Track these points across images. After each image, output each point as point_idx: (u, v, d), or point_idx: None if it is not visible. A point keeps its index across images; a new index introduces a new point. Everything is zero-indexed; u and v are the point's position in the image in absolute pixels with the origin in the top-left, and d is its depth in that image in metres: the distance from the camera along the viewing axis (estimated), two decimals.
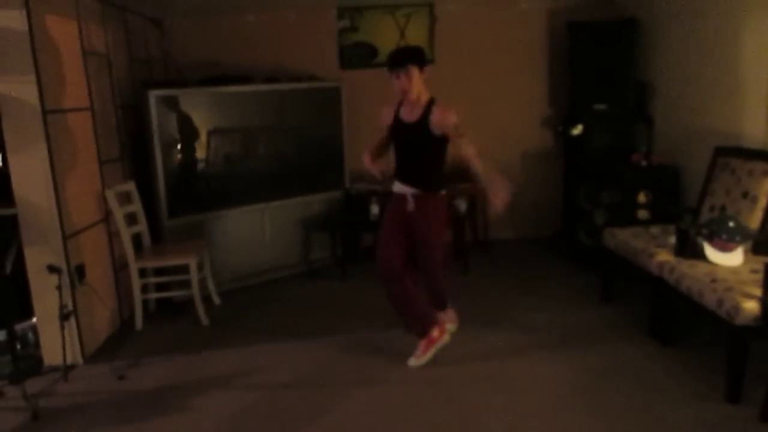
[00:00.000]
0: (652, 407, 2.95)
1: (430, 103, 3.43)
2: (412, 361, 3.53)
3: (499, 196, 3.24)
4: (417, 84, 3.40)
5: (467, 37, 5.66)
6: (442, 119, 3.37)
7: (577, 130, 5.13)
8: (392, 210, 3.61)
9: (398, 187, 3.57)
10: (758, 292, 2.83)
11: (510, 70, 5.72)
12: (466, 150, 3.36)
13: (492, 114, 5.74)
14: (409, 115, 3.47)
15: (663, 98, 4.87)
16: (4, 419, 3.15)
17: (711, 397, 2.99)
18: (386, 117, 3.60)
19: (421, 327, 3.59)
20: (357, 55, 5.65)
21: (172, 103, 4.49)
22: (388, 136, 3.62)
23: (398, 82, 3.41)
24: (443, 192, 3.58)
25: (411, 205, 3.50)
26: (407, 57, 3.42)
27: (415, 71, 3.38)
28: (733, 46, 4.01)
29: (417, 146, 3.50)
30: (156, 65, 5.34)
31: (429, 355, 3.54)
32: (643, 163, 4.63)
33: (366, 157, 3.60)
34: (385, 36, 5.62)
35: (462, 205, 5.11)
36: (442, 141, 3.45)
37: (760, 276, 2.96)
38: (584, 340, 3.70)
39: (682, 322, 3.58)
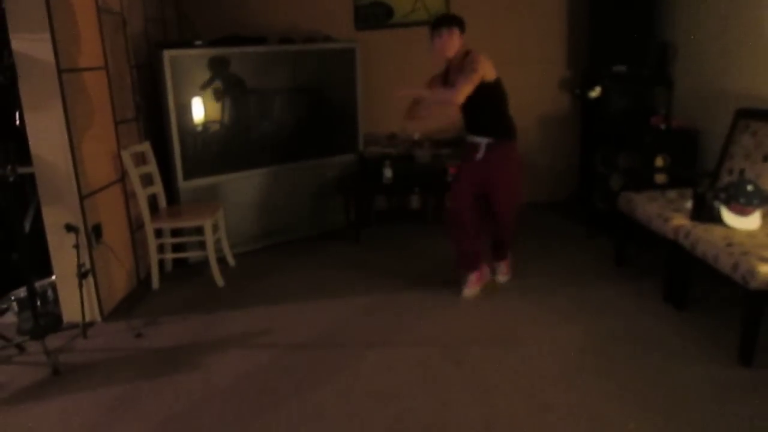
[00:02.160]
0: (664, 369, 2.96)
1: (466, 54, 3.66)
2: (466, 292, 3.91)
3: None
4: (456, 45, 3.63)
5: None
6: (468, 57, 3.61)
7: (595, 92, 5.05)
8: (464, 161, 3.91)
9: (469, 137, 3.89)
10: None
11: (527, 32, 5.61)
12: (459, 83, 3.49)
13: (508, 76, 5.54)
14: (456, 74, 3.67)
15: (684, 59, 4.76)
16: (26, 373, 3.23)
17: (723, 360, 2.99)
18: (437, 78, 3.84)
19: (470, 261, 3.93)
20: (372, 15, 5.57)
21: (186, 64, 4.47)
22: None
23: (438, 41, 3.63)
24: (514, 140, 3.86)
25: (480, 154, 3.78)
26: (452, 19, 3.67)
27: (456, 33, 3.63)
28: (756, 6, 3.90)
29: (471, 99, 3.60)
30: (170, 25, 5.30)
31: (477, 289, 3.93)
32: (662, 126, 4.55)
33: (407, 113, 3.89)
34: None
35: None
36: (490, 87, 3.65)
37: None
38: (597, 304, 3.71)
39: (696, 286, 3.56)
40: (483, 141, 3.79)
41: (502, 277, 4.12)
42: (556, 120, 5.76)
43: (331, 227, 5.35)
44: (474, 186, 3.80)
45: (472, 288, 3.92)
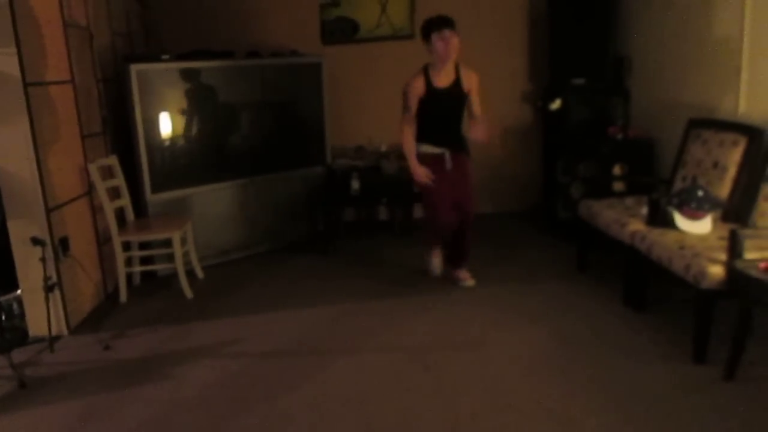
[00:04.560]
0: (624, 368, 3.06)
1: (457, 66, 3.81)
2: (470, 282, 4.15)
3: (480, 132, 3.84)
4: (456, 50, 3.73)
5: (448, 12, 5.60)
6: (472, 78, 3.84)
7: (556, 104, 5.20)
8: (433, 172, 3.89)
9: (432, 149, 3.89)
10: (724, 257, 2.94)
11: (491, 46, 5.75)
12: (479, 107, 3.91)
13: None
14: (442, 81, 3.79)
15: (640, 72, 4.94)
16: None
17: (679, 358, 3.11)
18: (417, 88, 3.82)
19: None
20: (339, 30, 5.67)
21: (153, 78, 4.49)
22: (417, 108, 3.86)
23: (443, 44, 3.69)
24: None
25: (449, 164, 3.88)
26: (452, 21, 3.72)
27: (456, 37, 3.70)
28: (706, 20, 4.09)
29: (454, 109, 3.85)
30: (137, 39, 5.32)
31: None
32: (620, 136, 4.72)
33: (419, 169, 3.90)
34: (366, 11, 5.63)
35: None
36: (466, 100, 3.86)
37: (726, 242, 3.07)
38: (559, 308, 3.81)
39: (654, 289, 3.69)
40: (449, 152, 3.91)
41: (470, 282, 4.21)
42: (519, 131, 5.91)
43: (300, 239, 5.39)
44: (450, 197, 3.96)
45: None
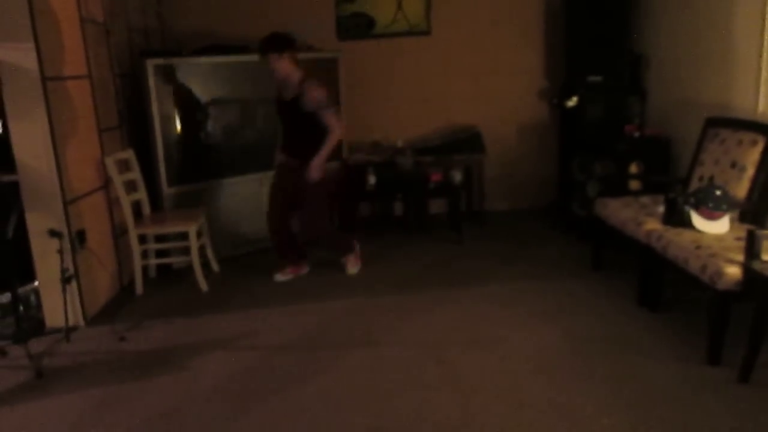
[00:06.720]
0: (636, 369, 3.04)
1: (302, 81, 4.05)
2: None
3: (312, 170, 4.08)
4: (281, 67, 4.00)
5: (464, 8, 5.66)
6: (308, 97, 4.00)
7: (572, 102, 5.17)
8: (277, 177, 4.37)
9: (281, 157, 4.32)
10: (741, 258, 2.91)
11: (507, 43, 5.73)
12: (329, 120, 4.05)
13: (489, 86, 5.78)
14: (286, 93, 4.12)
15: (657, 70, 4.90)
16: (8, 377, 3.25)
17: (693, 359, 3.08)
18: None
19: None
20: (354, 26, 5.67)
21: (169, 73, 4.52)
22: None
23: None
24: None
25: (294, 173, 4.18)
26: (266, 47, 3.99)
27: (273, 57, 3.96)
28: (724, 18, 4.04)
29: (292, 121, 4.17)
30: (153, 34, 5.35)
31: None
32: (636, 134, 4.68)
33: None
34: (382, 7, 5.63)
35: (457, 175, 5.17)
36: (314, 117, 4.04)
37: (743, 243, 3.04)
38: (574, 307, 3.79)
39: (669, 289, 3.66)
40: (291, 161, 4.24)
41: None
42: (535, 128, 5.88)
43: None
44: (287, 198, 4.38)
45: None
